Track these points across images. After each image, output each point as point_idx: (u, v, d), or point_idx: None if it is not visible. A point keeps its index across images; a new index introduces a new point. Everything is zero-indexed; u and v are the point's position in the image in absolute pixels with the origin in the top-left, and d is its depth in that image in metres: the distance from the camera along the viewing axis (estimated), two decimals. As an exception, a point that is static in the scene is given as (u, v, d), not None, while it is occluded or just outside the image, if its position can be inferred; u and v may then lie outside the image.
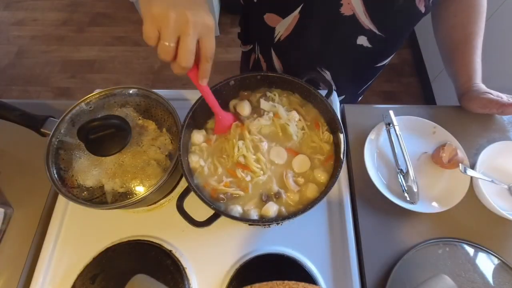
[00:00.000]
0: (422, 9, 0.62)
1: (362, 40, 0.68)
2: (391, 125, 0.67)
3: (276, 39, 0.75)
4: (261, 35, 0.81)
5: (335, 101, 0.72)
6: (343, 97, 0.92)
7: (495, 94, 0.69)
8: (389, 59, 0.80)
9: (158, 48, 0.40)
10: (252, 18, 0.80)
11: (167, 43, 0.39)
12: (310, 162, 0.58)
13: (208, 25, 0.41)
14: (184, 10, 0.38)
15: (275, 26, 0.72)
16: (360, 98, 1.00)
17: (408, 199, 0.61)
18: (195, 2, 0.41)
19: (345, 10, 0.62)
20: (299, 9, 0.64)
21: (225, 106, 0.63)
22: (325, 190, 0.51)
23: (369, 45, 0.69)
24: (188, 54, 0.40)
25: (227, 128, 0.60)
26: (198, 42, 0.41)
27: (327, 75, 0.80)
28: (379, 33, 0.66)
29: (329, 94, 0.63)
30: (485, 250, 0.60)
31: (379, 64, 0.80)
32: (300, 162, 0.58)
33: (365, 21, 0.63)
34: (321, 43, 0.72)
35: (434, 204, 0.63)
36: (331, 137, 0.59)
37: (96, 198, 0.54)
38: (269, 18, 0.71)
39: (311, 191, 0.54)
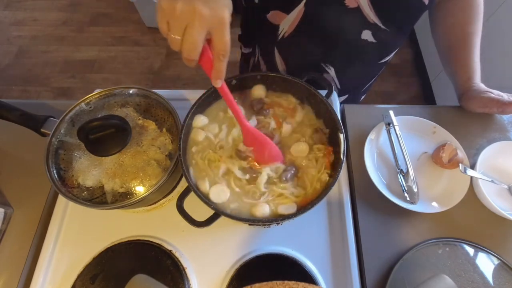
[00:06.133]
0: (426, 1, 0.62)
1: (367, 35, 0.68)
2: (391, 125, 0.67)
3: (280, 37, 0.74)
4: (263, 35, 0.80)
5: (335, 101, 0.72)
6: (346, 96, 0.92)
7: (495, 93, 0.69)
8: (391, 55, 0.80)
9: (168, 39, 0.39)
10: (254, 19, 0.79)
11: (173, 35, 0.38)
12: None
13: (220, 18, 0.38)
14: (194, 1, 0.37)
15: (279, 24, 0.71)
16: (362, 97, 1.00)
17: (408, 199, 0.61)
18: None
19: (349, 2, 0.62)
20: (304, 1, 0.64)
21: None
22: (325, 191, 0.51)
23: (374, 40, 0.69)
24: (191, 46, 0.38)
25: (270, 158, 0.55)
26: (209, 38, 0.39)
27: (331, 71, 0.80)
28: (384, 27, 0.66)
29: (329, 94, 0.63)
30: (485, 250, 0.60)
31: (382, 60, 0.80)
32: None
33: (370, 13, 0.63)
34: (325, 38, 0.71)
35: (434, 204, 0.63)
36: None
37: (96, 198, 0.54)
38: (273, 16, 0.71)
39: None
